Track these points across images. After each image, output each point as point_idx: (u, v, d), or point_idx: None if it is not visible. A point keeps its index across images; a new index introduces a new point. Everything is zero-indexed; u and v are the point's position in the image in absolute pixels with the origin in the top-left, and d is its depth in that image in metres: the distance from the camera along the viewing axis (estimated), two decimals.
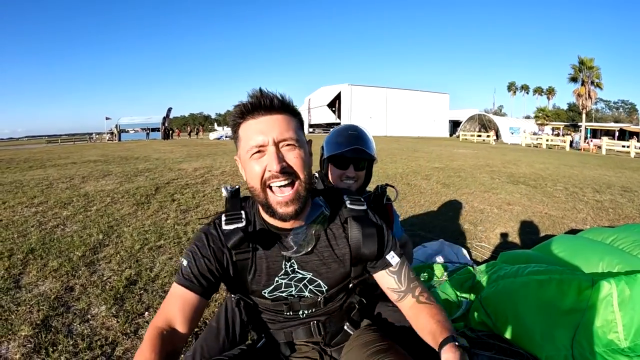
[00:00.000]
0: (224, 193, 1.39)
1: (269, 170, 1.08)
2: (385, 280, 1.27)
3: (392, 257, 1.27)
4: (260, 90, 1.11)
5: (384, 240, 1.28)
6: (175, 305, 1.13)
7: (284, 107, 1.13)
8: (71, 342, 2.19)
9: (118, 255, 3.50)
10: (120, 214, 5.02)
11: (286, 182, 1.09)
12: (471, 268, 2.85)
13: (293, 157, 1.10)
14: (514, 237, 4.62)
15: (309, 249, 1.21)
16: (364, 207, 1.29)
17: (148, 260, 3.43)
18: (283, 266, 1.22)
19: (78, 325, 2.37)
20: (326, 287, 1.26)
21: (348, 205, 1.28)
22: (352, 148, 1.94)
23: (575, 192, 7.40)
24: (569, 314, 2.10)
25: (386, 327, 1.44)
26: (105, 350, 2.14)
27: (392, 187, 2.20)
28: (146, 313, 2.54)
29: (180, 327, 1.11)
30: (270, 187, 1.11)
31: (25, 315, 2.45)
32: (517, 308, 2.22)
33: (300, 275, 1.23)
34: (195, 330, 1.66)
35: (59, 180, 7.51)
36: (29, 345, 2.14)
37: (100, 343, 2.20)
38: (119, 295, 2.74)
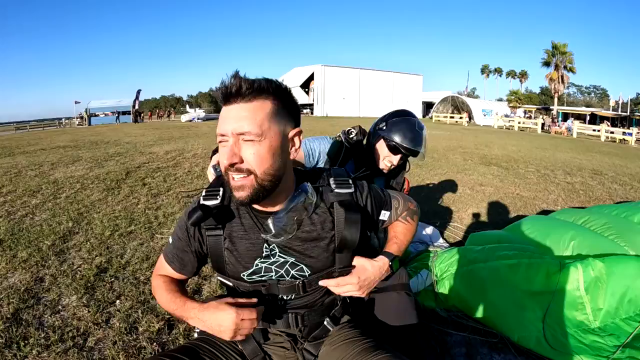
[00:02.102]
0: (212, 172, 1.41)
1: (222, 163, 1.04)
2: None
3: (383, 215, 1.36)
4: (236, 74, 1.03)
5: (370, 220, 1.32)
6: (163, 271, 1.30)
7: (258, 92, 1.02)
8: (42, 335, 2.14)
9: (88, 243, 3.43)
10: (90, 200, 4.93)
11: (240, 176, 1.04)
12: (432, 252, 2.83)
13: (249, 154, 1.01)
14: (486, 217, 4.72)
15: (290, 235, 1.16)
16: (350, 191, 1.24)
17: (119, 247, 3.38)
18: (264, 249, 1.18)
19: (49, 317, 2.32)
20: (309, 272, 1.21)
21: (335, 190, 1.22)
22: (417, 150, 2.12)
23: (546, 174, 7.60)
24: (537, 296, 2.14)
25: (366, 325, 1.42)
26: (77, 342, 2.10)
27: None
28: (117, 301, 2.50)
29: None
30: None
31: None
32: (488, 293, 2.25)
33: (283, 260, 1.19)
34: None
35: (27, 167, 7.34)
36: (0, 341, 2.08)
37: (72, 334, 2.15)
38: (89, 284, 2.69)
